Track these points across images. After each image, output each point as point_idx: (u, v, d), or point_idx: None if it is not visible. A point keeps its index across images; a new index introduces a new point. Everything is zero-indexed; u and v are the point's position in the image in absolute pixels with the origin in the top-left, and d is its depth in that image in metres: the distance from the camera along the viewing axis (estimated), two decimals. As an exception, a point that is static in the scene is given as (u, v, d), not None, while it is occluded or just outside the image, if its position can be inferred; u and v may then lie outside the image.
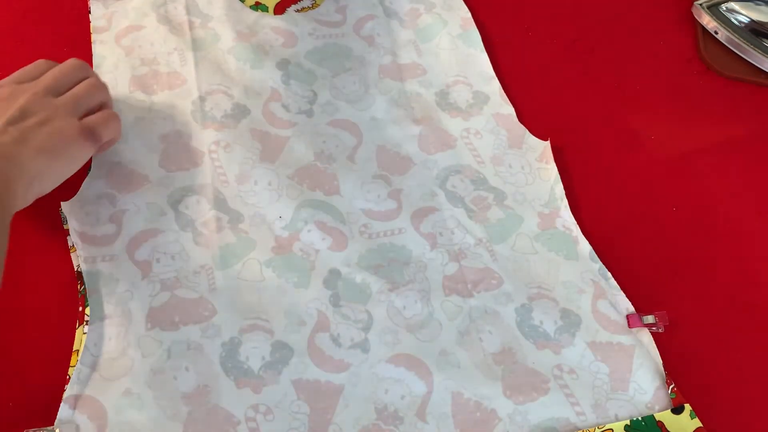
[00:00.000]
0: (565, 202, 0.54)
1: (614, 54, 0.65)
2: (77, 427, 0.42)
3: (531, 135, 0.57)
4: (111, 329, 0.46)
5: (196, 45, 0.60)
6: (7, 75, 0.55)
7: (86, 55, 0.59)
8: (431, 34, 0.64)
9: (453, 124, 0.58)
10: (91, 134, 0.48)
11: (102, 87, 0.52)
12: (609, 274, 0.50)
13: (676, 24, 0.68)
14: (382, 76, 0.60)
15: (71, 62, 0.51)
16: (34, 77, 0.49)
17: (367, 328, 0.47)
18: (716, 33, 0.64)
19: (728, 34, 0.63)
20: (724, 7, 0.65)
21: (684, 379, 0.47)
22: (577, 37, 0.66)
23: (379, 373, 0.45)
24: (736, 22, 0.63)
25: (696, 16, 0.66)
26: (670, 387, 0.45)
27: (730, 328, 0.50)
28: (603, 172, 0.57)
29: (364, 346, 0.46)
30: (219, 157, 0.54)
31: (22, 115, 0.45)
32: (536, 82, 0.61)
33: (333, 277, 0.49)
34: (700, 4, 0.66)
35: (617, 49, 0.65)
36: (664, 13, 0.69)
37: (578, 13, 0.68)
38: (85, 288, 0.47)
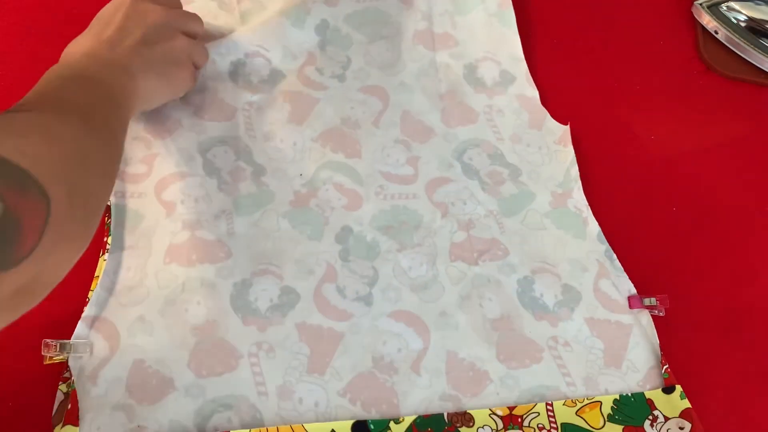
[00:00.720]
0: (579, 183, 0.55)
1: (614, 54, 0.65)
2: (91, 344, 0.45)
3: (551, 119, 0.58)
4: (131, 260, 0.48)
5: (243, 19, 0.63)
6: (9, 75, 0.58)
7: None
8: (468, 8, 0.65)
9: (476, 100, 0.59)
10: (195, 71, 0.54)
11: (199, 19, 0.57)
12: (614, 256, 0.51)
13: (676, 24, 0.68)
14: (415, 42, 0.62)
15: (193, 13, 0.57)
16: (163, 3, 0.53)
17: (372, 284, 0.49)
18: (716, 33, 0.64)
19: (728, 33, 0.63)
20: (724, 6, 0.65)
21: (679, 364, 0.47)
22: (577, 37, 0.66)
23: (380, 326, 0.47)
24: (735, 21, 0.63)
25: (696, 16, 0.66)
26: (664, 367, 0.46)
27: (728, 322, 0.50)
28: (602, 173, 0.57)
29: (367, 300, 0.48)
30: (250, 115, 0.57)
31: (155, 37, 0.49)
32: (535, 82, 0.61)
33: (345, 234, 0.51)
34: (700, 4, 0.66)
35: (617, 49, 0.65)
36: (664, 13, 0.68)
37: (578, 13, 0.68)
38: (111, 220, 0.50)
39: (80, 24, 0.62)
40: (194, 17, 0.56)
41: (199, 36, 0.56)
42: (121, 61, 0.47)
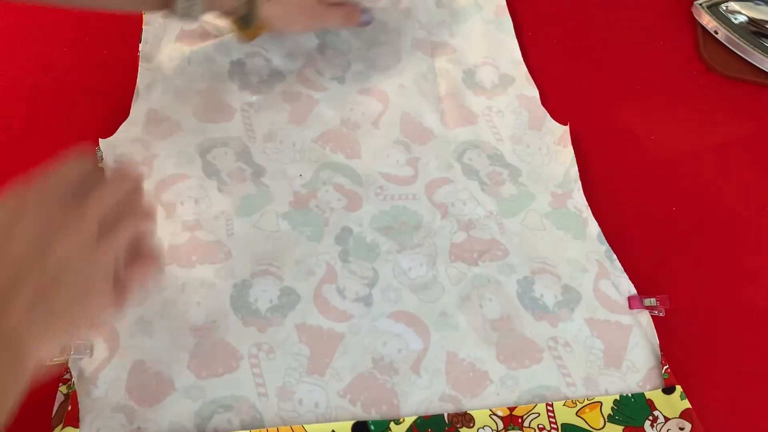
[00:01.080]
0: (579, 184, 0.55)
1: (614, 54, 0.65)
2: (91, 346, 0.45)
3: (551, 119, 0.58)
4: (132, 260, 0.48)
5: None
6: (9, 75, 0.57)
7: (89, 59, 0.60)
8: (465, 17, 0.65)
9: (476, 102, 0.59)
10: (122, 303, 0.38)
11: (149, 217, 0.40)
12: (614, 257, 0.51)
13: (676, 24, 0.68)
14: (414, 48, 0.62)
15: (118, 179, 0.39)
16: (69, 189, 0.36)
17: (372, 285, 0.49)
18: (716, 33, 0.64)
19: (728, 33, 0.63)
20: (724, 6, 0.65)
21: (679, 365, 0.47)
22: (577, 37, 0.66)
23: (380, 326, 0.47)
24: (735, 21, 0.63)
25: (696, 16, 0.66)
26: (664, 368, 0.46)
27: (727, 322, 0.50)
28: (602, 173, 0.57)
29: (367, 301, 0.48)
30: (250, 116, 0.57)
31: (56, 274, 0.34)
32: (535, 81, 0.62)
33: (345, 234, 0.51)
34: (700, 4, 0.66)
35: (617, 48, 0.65)
36: (664, 13, 0.68)
37: (578, 13, 0.68)
38: (112, 222, 0.50)
39: (79, 24, 0.62)
40: (129, 182, 0.39)
41: (149, 216, 0.40)
42: (9, 333, 0.33)
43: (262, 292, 0.48)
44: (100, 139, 0.53)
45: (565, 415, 0.44)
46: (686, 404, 0.44)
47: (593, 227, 0.53)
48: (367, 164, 0.55)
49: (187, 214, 0.51)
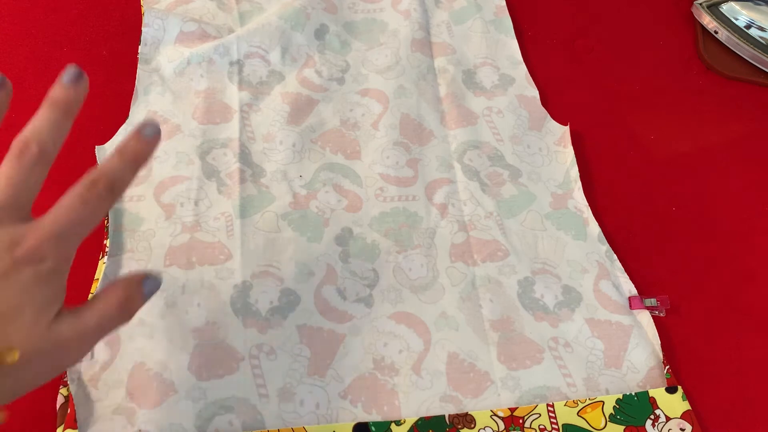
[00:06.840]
0: (579, 184, 0.54)
1: (614, 54, 0.65)
2: (92, 349, 0.44)
3: (551, 119, 0.58)
4: (131, 262, 0.48)
5: (242, 20, 0.63)
6: (9, 75, 0.57)
7: (89, 59, 0.60)
8: (465, 17, 0.65)
9: (476, 103, 0.59)
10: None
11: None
12: (615, 257, 0.51)
13: (676, 24, 0.68)
14: (413, 49, 0.62)
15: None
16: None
17: (372, 285, 0.49)
18: (716, 33, 0.64)
19: (728, 34, 0.63)
20: (724, 7, 0.64)
21: (679, 365, 0.47)
22: (577, 37, 0.66)
23: (380, 327, 0.47)
24: (735, 21, 0.63)
25: (696, 16, 0.66)
26: (666, 368, 0.46)
27: (727, 322, 0.50)
28: (602, 173, 0.57)
29: (367, 301, 0.48)
30: (249, 116, 0.57)
31: None
32: (535, 81, 0.61)
33: (345, 235, 0.51)
34: (700, 4, 0.66)
35: (617, 48, 0.65)
36: (664, 13, 0.68)
37: (578, 13, 0.68)
38: (109, 224, 0.50)
39: (80, 25, 0.62)
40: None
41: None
42: None
43: (262, 294, 0.48)
44: (96, 147, 0.53)
45: (566, 416, 0.44)
46: (686, 406, 0.44)
47: (594, 227, 0.53)
48: (366, 165, 0.55)
49: (187, 216, 0.51)
